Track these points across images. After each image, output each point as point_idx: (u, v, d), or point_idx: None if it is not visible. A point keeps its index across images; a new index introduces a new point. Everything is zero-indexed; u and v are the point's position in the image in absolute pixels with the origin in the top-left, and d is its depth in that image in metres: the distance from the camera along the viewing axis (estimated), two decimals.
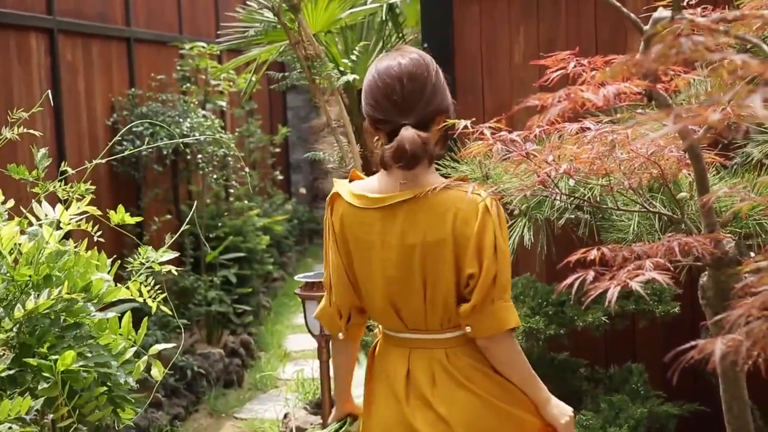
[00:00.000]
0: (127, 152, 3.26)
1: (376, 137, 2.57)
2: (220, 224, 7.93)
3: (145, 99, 7.21)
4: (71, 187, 2.94)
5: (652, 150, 2.14)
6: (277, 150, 10.68)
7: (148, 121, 5.81)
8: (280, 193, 10.94)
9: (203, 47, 7.75)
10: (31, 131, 3.19)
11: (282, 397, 6.64)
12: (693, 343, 1.61)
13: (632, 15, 1.80)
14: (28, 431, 2.66)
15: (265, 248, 8.57)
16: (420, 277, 2.50)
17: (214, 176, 7.57)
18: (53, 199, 3.01)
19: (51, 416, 3.00)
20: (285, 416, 5.89)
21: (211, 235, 7.77)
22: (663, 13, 1.69)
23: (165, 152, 6.86)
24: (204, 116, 7.26)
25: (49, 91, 3.29)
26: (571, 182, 2.40)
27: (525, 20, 4.45)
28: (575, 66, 2.02)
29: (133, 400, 2.93)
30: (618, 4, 1.86)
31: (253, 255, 8.31)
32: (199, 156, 7.36)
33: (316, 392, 6.36)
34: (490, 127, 2.17)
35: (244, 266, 8.15)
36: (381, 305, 2.59)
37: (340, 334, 2.72)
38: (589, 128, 2.17)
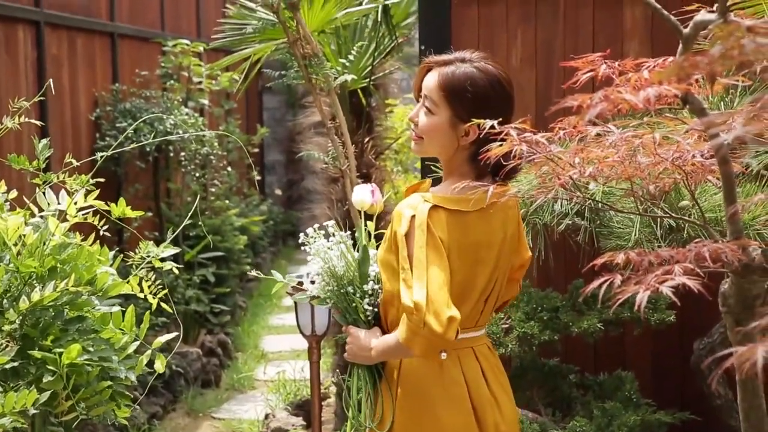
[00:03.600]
0: (132, 146, 3.22)
1: (467, 142, 2.64)
2: (199, 223, 7.87)
3: (128, 95, 7.15)
4: (75, 179, 2.90)
5: (676, 155, 2.13)
6: (255, 150, 10.63)
7: (141, 120, 5.74)
8: (256, 194, 10.89)
9: (186, 44, 7.70)
10: (32, 121, 3.15)
11: (259, 398, 6.61)
12: (732, 350, 1.60)
13: (672, 18, 1.79)
14: (21, 425, 2.62)
15: (242, 248, 8.52)
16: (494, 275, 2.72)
17: (196, 174, 7.52)
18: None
19: (33, 411, 2.96)
20: (266, 417, 5.85)
21: (191, 234, 7.72)
22: (706, 16, 1.69)
23: (148, 149, 6.80)
24: (187, 114, 7.21)
25: (51, 81, 3.24)
26: (592, 186, 2.39)
27: (523, 25, 4.44)
28: (606, 68, 2.01)
29: (131, 396, 2.91)
30: (657, 5, 1.85)
31: (231, 255, 8.26)
32: (182, 154, 7.30)
33: (297, 393, 6.33)
34: (515, 128, 2.16)
35: (221, 266, 8.09)
36: (470, 308, 2.68)
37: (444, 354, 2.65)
38: (611, 131, 2.16)
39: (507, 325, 3.92)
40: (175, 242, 7.37)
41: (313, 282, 2.82)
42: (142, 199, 7.24)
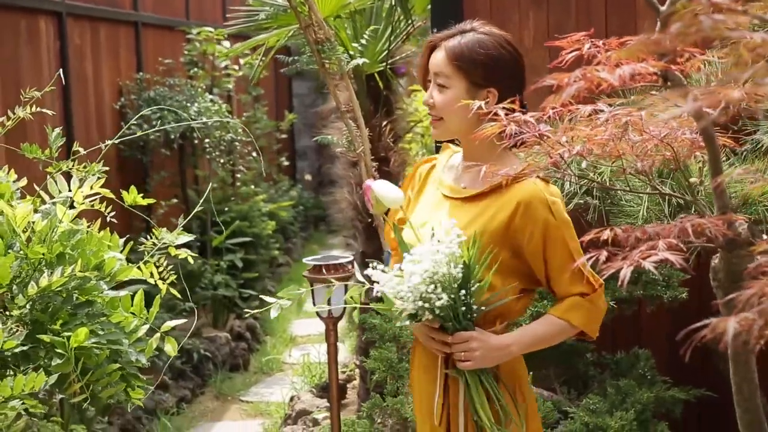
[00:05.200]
0: (139, 134, 3.28)
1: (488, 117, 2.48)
2: (226, 209, 7.95)
3: (153, 83, 7.22)
4: (84, 167, 2.95)
5: (665, 132, 2.15)
6: (284, 136, 10.71)
7: (159, 107, 5.81)
8: (286, 180, 10.97)
9: (210, 32, 7.76)
10: (44, 110, 3.21)
11: (287, 381, 6.67)
12: (705, 321, 1.62)
13: None
14: (38, 410, 2.68)
15: (270, 234, 8.59)
16: None
17: (221, 161, 7.59)
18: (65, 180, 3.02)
19: (60, 396, 3.02)
20: (291, 399, 5.92)
21: (218, 220, 7.80)
22: None
23: (172, 136, 6.87)
24: (211, 101, 7.28)
25: (61, 71, 3.29)
26: (584, 164, 2.41)
27: (535, 7, 4.45)
28: (590, 47, 2.03)
29: (144, 378, 2.95)
30: None
31: (259, 240, 8.33)
32: (206, 141, 7.37)
33: (322, 376, 6.40)
34: (504, 108, 2.18)
35: (249, 251, 8.17)
36: None
37: None
38: (602, 110, 2.18)
39: None
40: (203, 229, 7.47)
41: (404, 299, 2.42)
42: (168, 186, 7.32)
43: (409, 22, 5.16)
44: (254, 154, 8.20)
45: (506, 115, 2.16)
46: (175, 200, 7.14)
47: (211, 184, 7.81)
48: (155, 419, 5.83)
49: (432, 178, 2.79)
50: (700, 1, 1.42)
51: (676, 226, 1.95)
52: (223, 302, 7.61)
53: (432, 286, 2.38)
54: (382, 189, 2.58)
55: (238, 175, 8.26)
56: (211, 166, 7.71)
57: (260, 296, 2.92)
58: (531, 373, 4.04)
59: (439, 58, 2.62)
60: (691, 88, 1.50)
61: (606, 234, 2.01)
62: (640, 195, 3.47)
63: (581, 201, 3.64)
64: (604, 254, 1.94)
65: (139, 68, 7.13)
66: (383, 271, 2.43)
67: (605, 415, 3.67)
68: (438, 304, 2.39)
